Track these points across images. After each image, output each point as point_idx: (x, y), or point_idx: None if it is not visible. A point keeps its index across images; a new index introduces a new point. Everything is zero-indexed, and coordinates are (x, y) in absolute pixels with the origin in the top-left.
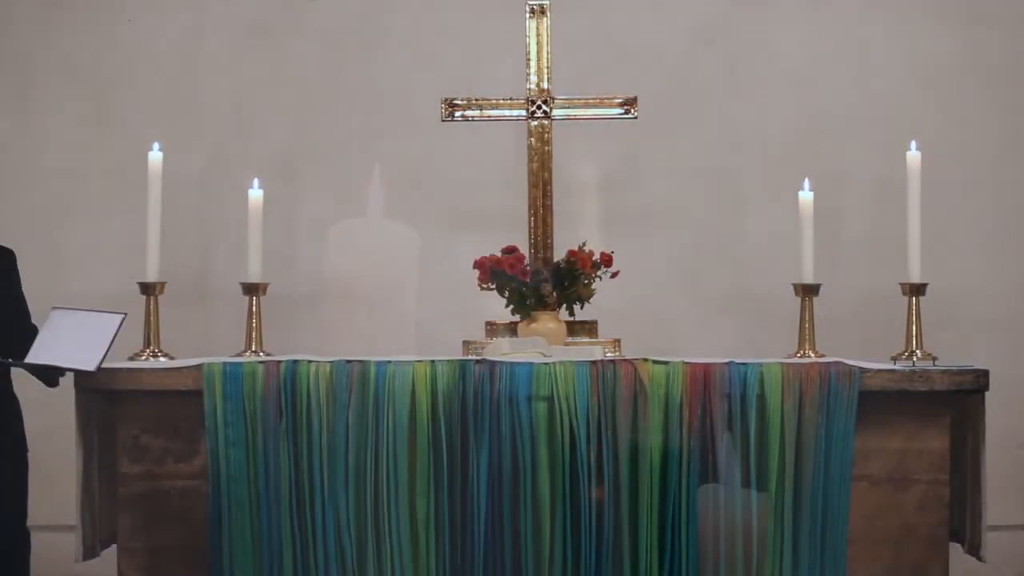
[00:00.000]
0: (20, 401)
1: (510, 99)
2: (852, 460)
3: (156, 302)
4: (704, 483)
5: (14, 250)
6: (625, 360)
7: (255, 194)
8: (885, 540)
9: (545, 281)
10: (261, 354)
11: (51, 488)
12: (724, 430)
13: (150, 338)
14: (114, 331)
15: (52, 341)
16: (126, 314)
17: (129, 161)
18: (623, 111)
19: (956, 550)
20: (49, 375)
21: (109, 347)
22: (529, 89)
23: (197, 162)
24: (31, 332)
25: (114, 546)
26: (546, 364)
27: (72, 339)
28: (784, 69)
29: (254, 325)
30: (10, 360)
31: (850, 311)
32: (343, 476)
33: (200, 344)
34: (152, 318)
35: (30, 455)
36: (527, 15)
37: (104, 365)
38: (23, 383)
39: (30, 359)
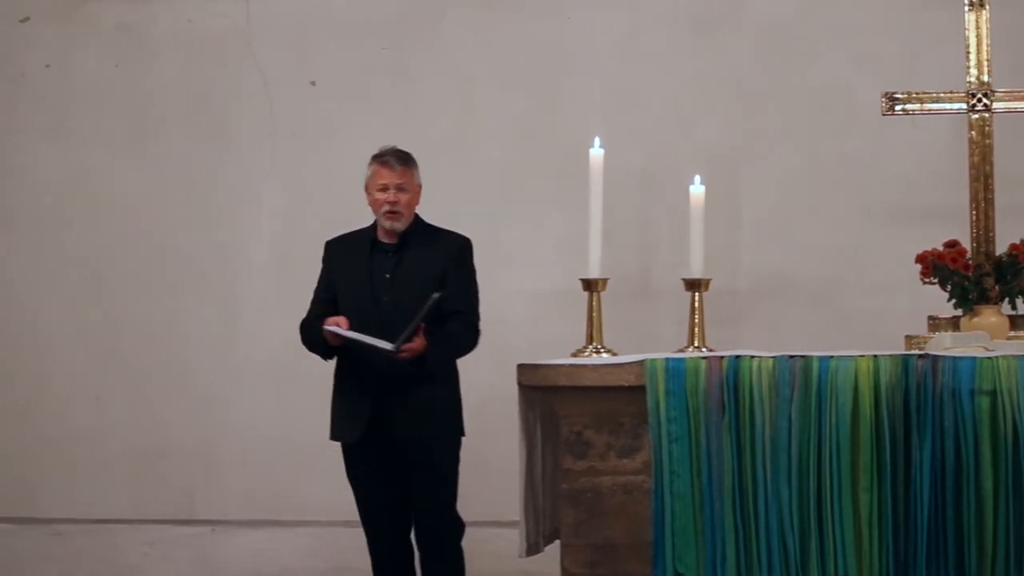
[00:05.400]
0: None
1: (950, 92)
2: None
3: (598, 298)
4: None
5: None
6: None
7: (696, 190)
8: None
9: (987, 275)
10: (704, 350)
11: (493, 485)
12: None
13: (592, 334)
14: (423, 311)
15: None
16: (440, 294)
17: (569, 158)
18: None
19: None
20: (367, 351)
21: (412, 327)
22: (969, 82)
23: (637, 158)
24: (471, 319)
25: (557, 542)
26: (989, 358)
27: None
28: None
29: (696, 321)
30: (334, 328)
31: None
32: (786, 470)
33: (642, 340)
34: (594, 314)
35: (469, 446)
36: (966, 8)
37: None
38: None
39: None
